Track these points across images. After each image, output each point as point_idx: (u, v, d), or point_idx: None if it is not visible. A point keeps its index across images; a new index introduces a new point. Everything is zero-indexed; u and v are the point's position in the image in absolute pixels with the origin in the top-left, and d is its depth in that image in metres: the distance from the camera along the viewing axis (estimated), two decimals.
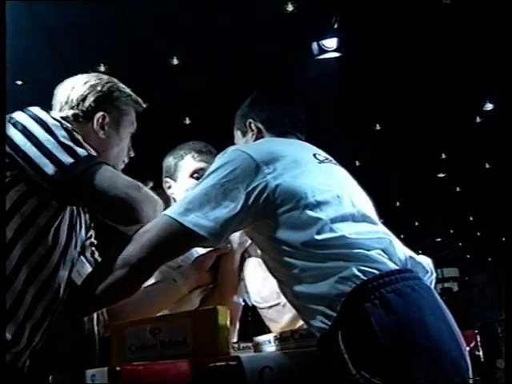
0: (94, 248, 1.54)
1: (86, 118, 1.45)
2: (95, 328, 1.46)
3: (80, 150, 1.28)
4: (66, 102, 1.46)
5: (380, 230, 1.26)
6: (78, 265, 1.41)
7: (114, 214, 1.29)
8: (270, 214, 1.22)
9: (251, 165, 1.23)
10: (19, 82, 5.21)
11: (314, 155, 1.36)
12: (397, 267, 1.17)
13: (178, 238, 1.21)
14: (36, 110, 1.33)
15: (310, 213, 1.20)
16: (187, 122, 6.47)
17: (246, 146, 1.41)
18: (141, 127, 1.58)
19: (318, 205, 1.21)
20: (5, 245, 1.20)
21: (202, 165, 1.86)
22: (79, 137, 1.33)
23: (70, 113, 1.44)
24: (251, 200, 1.21)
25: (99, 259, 1.54)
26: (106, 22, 4.70)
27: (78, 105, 1.45)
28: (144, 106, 1.57)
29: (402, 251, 1.24)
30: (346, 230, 1.19)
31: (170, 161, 1.95)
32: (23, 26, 4.41)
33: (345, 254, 1.16)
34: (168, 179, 1.94)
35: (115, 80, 1.54)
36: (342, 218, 1.22)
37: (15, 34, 4.27)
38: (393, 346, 1.07)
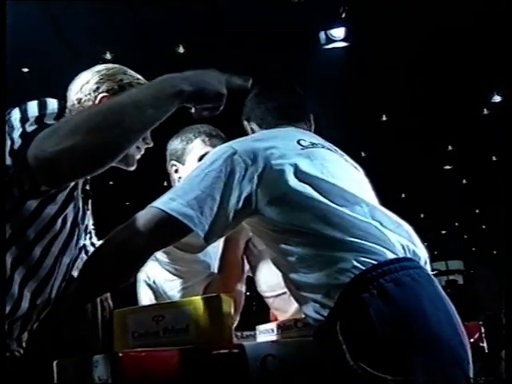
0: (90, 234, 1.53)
1: (89, 100, 1.41)
2: (98, 315, 1.46)
3: None
4: (73, 91, 1.44)
5: (376, 216, 1.24)
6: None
7: None
8: (259, 206, 1.23)
9: (235, 158, 1.24)
10: (25, 70, 5.21)
11: (299, 141, 1.34)
12: (396, 256, 1.16)
13: (165, 226, 1.20)
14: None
15: (300, 201, 1.21)
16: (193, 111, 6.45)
17: (233, 141, 1.37)
18: None
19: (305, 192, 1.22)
20: (5, 245, 1.17)
21: (211, 149, 1.78)
22: None
23: (75, 97, 1.42)
24: (236, 195, 1.22)
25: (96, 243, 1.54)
26: (112, 9, 4.68)
27: (81, 88, 1.42)
28: None
29: (402, 238, 1.22)
30: (341, 216, 1.19)
31: (176, 143, 1.89)
32: (29, 13, 4.41)
33: (342, 242, 1.16)
34: (175, 162, 1.89)
35: (124, 67, 1.49)
36: (334, 203, 1.21)
37: (21, 22, 4.27)
38: (391, 336, 1.06)
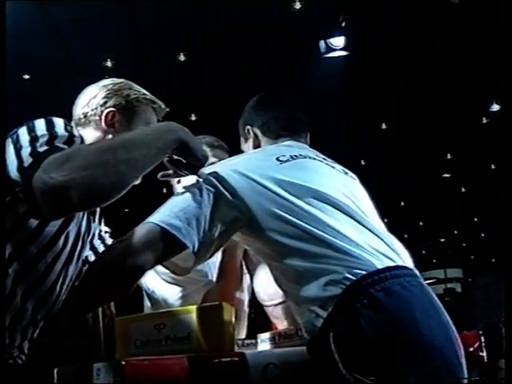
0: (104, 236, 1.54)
1: (96, 115, 1.43)
2: (100, 322, 1.47)
3: None
4: (79, 105, 1.47)
5: (365, 226, 1.25)
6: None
7: None
8: (246, 223, 1.26)
9: (217, 179, 1.26)
10: (26, 77, 5.22)
11: (278, 158, 1.35)
12: (387, 265, 1.17)
13: (157, 239, 1.21)
14: None
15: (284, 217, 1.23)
16: (193, 118, 6.47)
17: (215, 164, 1.40)
18: None
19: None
20: (4, 249, 1.17)
21: (214, 160, 1.79)
22: None
23: (81, 111, 1.44)
24: (222, 211, 1.24)
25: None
26: (113, 17, 4.70)
27: (88, 103, 1.45)
28: (163, 106, 1.53)
29: (389, 250, 1.23)
30: (327, 227, 1.20)
31: None
32: (30, 20, 4.43)
33: (332, 254, 1.17)
34: None
35: (131, 82, 1.52)
36: (319, 214, 1.22)
37: (22, 29, 4.28)
38: (382, 345, 1.08)
